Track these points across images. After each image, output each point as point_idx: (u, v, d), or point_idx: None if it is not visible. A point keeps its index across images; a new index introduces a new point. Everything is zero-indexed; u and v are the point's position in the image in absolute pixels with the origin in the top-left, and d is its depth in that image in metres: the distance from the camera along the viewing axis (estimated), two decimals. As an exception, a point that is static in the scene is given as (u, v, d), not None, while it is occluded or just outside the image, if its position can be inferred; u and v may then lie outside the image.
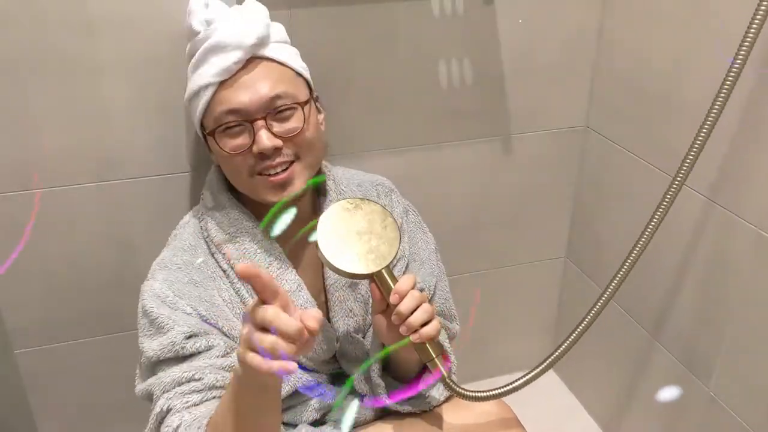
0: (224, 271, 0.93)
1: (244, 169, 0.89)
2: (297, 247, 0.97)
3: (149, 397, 0.86)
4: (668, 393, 1.27)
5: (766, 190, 0.99)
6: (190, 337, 0.85)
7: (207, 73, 0.87)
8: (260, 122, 0.86)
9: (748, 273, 1.05)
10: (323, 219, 0.85)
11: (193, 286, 0.90)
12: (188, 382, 0.84)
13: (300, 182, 0.91)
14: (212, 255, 0.93)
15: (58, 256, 1.14)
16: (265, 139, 0.86)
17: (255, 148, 0.86)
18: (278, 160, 0.88)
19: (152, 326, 0.87)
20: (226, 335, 0.89)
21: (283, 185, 0.89)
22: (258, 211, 0.95)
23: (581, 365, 1.56)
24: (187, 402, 0.82)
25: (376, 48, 1.16)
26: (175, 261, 0.92)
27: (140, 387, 0.88)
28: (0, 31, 0.96)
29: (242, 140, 0.87)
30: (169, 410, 0.82)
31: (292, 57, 0.93)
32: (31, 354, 1.20)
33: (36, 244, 1.11)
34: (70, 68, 1.01)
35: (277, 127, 0.87)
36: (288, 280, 0.93)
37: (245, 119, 0.87)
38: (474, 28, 1.20)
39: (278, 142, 0.87)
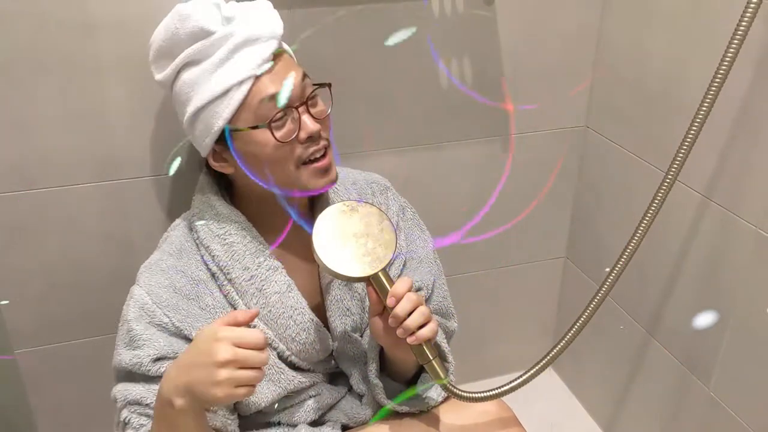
0: (213, 274, 0.92)
1: (291, 160, 0.87)
2: (291, 247, 0.97)
3: (115, 402, 0.88)
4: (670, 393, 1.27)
5: (762, 188, 0.99)
6: (157, 360, 0.86)
7: (241, 68, 0.84)
8: (302, 108, 0.87)
9: (746, 272, 1.05)
10: (319, 221, 0.85)
11: (173, 291, 0.89)
12: (147, 406, 0.85)
13: (335, 168, 0.92)
14: (201, 257, 0.93)
15: (58, 256, 1.14)
16: (310, 123, 0.86)
17: (303, 134, 0.86)
18: (321, 144, 0.88)
19: (127, 336, 0.88)
20: None
21: (327, 170, 0.90)
22: (251, 212, 0.95)
23: (581, 365, 1.56)
24: (141, 423, 0.85)
25: (376, 48, 1.16)
26: (161, 265, 0.91)
27: (113, 389, 0.89)
28: (0, 31, 0.96)
29: (287, 129, 0.86)
30: (126, 423, 0.85)
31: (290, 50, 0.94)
32: (31, 354, 1.20)
33: (36, 244, 1.12)
34: (70, 68, 1.01)
35: (313, 110, 0.88)
36: (277, 281, 0.93)
37: (289, 107, 0.86)
38: (474, 28, 1.20)
39: (318, 125, 0.87)
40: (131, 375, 0.87)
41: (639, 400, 1.38)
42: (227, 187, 0.97)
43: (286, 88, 0.85)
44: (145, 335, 0.86)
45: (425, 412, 0.99)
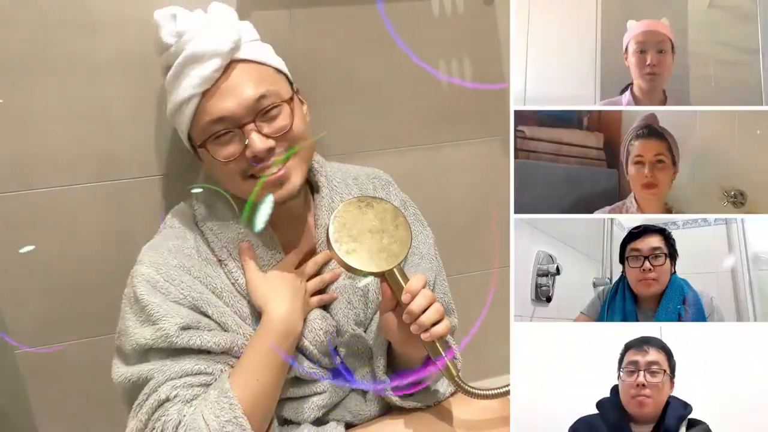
0: (220, 260, 0.93)
1: (237, 173, 0.89)
2: (293, 243, 0.98)
3: (140, 383, 0.86)
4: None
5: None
6: (184, 328, 0.86)
7: (187, 86, 0.87)
8: (250, 126, 0.86)
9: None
10: (335, 217, 0.86)
11: (182, 270, 0.90)
12: (198, 374, 0.85)
13: (297, 178, 0.91)
14: (207, 242, 0.94)
15: (58, 256, 1.14)
16: (258, 142, 0.86)
17: (249, 153, 0.86)
18: (273, 159, 0.88)
19: (143, 313, 0.87)
20: (216, 322, 0.90)
21: (281, 183, 0.90)
22: None
23: (581, 365, 1.56)
24: (195, 394, 0.84)
25: (376, 48, 1.16)
26: (166, 245, 0.92)
27: (129, 371, 0.87)
28: (0, 31, 0.96)
29: (234, 147, 0.87)
30: (170, 398, 0.83)
31: (268, 54, 0.93)
32: (31, 354, 1.20)
33: (36, 244, 1.11)
34: (70, 68, 1.01)
35: (267, 128, 0.87)
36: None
37: (234, 125, 0.86)
38: (474, 28, 1.20)
39: (271, 143, 0.87)
40: (151, 352, 0.87)
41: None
42: None
43: (222, 109, 0.86)
44: (164, 308, 0.86)
45: (430, 407, 0.99)
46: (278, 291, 0.91)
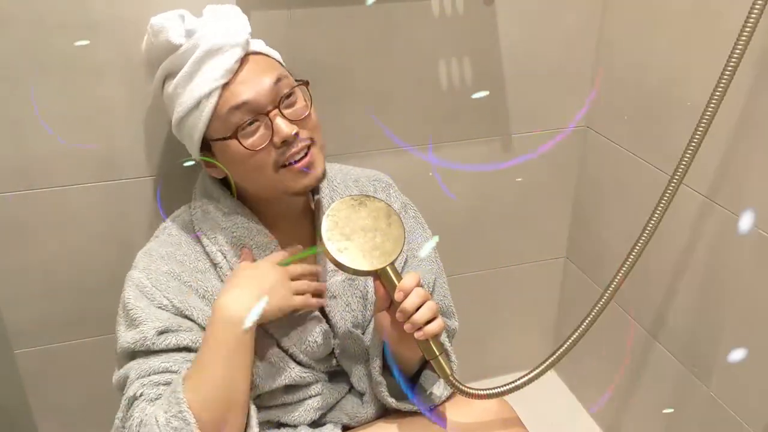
0: (214, 264, 0.93)
1: (268, 165, 0.88)
2: (291, 242, 0.98)
3: (123, 383, 0.87)
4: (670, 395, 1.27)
5: (764, 189, 0.99)
6: (161, 333, 0.86)
7: (207, 79, 0.86)
8: (274, 112, 0.86)
9: (747, 273, 1.05)
10: (328, 215, 0.86)
11: (171, 276, 0.90)
12: (164, 372, 0.85)
13: (320, 165, 0.91)
14: (203, 248, 0.94)
15: (58, 256, 1.14)
16: (285, 127, 0.86)
17: (276, 139, 0.86)
18: (300, 145, 0.88)
19: (128, 317, 0.88)
20: (199, 326, 0.90)
21: (308, 168, 0.89)
22: (252, 207, 0.96)
23: (581, 365, 1.56)
24: (159, 393, 0.83)
25: (376, 48, 1.16)
26: (159, 251, 0.93)
27: (118, 373, 0.89)
28: (0, 31, 0.96)
29: (260, 136, 0.87)
30: (137, 397, 0.83)
31: (268, 48, 0.94)
32: (31, 354, 1.20)
33: (36, 244, 1.12)
34: (70, 68, 1.01)
35: (289, 113, 0.88)
36: None
37: (260, 113, 0.86)
38: (474, 28, 1.20)
39: (295, 128, 0.87)
40: (135, 355, 0.87)
41: (639, 400, 1.38)
42: (227, 183, 0.97)
43: (247, 97, 0.85)
44: (146, 312, 0.87)
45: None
46: (235, 280, 0.89)
